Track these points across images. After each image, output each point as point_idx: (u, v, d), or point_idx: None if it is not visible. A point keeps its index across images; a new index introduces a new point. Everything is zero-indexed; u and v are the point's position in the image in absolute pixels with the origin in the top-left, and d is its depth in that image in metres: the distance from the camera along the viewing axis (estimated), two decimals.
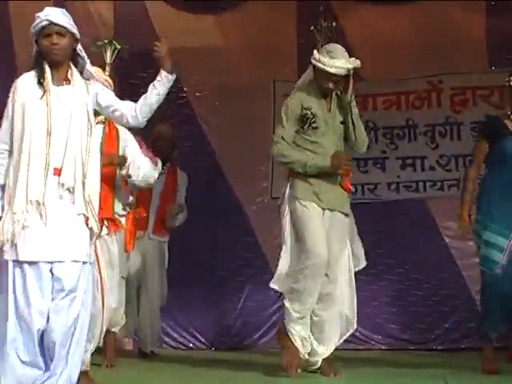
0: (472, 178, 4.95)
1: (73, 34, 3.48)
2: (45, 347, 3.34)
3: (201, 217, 6.54)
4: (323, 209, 4.60)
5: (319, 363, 4.66)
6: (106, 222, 4.28)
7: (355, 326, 4.81)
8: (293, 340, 4.54)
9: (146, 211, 5.62)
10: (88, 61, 3.60)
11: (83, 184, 3.39)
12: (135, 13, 6.88)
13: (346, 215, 4.71)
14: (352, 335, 6.50)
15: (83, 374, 3.66)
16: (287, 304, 4.57)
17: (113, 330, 5.08)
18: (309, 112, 4.61)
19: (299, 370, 4.53)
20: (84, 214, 3.39)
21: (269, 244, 6.43)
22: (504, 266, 4.66)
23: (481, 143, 4.96)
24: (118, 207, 4.58)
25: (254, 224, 6.77)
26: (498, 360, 4.85)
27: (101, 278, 4.29)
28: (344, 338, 4.81)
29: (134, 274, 5.59)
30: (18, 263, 3.32)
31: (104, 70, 4.54)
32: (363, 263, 4.83)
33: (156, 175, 4.76)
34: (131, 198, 4.81)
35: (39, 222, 3.32)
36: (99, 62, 4.51)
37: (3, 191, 3.41)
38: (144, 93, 3.57)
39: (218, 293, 6.77)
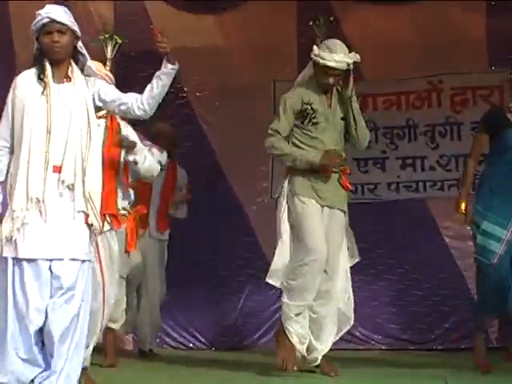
0: (471, 169, 4.97)
1: (73, 32, 3.47)
2: (45, 345, 3.34)
3: (201, 217, 6.54)
4: (322, 206, 4.61)
5: (319, 360, 4.66)
6: (108, 218, 4.25)
7: (352, 322, 4.80)
8: (290, 338, 4.54)
9: (147, 208, 5.63)
10: (89, 58, 3.60)
11: (83, 181, 3.38)
12: (135, 13, 6.88)
13: (344, 213, 4.72)
14: (352, 335, 6.57)
15: (83, 371, 3.65)
16: (285, 300, 4.57)
17: (113, 326, 5.08)
18: (309, 107, 4.62)
19: (295, 368, 4.54)
20: (84, 212, 3.39)
21: (269, 244, 6.37)
22: (501, 255, 4.68)
23: (481, 135, 4.98)
24: (122, 203, 4.56)
25: (254, 224, 6.77)
26: (488, 354, 4.88)
27: (102, 273, 4.28)
28: (341, 333, 4.81)
29: (134, 272, 5.59)
30: (17, 261, 3.32)
31: (105, 64, 4.54)
32: (357, 258, 4.84)
33: (158, 168, 4.74)
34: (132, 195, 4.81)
35: (39, 220, 3.32)
36: (100, 57, 4.51)
37: (4, 188, 3.41)
38: None
39: (218, 293, 6.78)
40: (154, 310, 6.03)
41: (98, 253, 4.19)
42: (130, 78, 6.27)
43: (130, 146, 4.47)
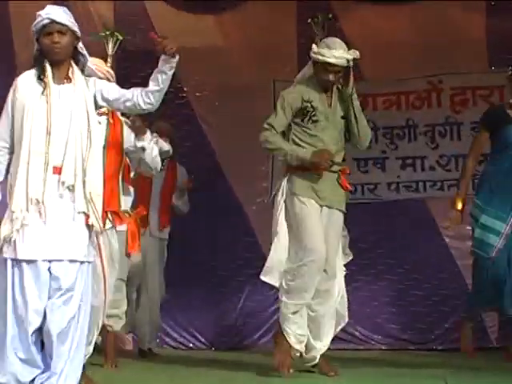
0: (469, 168, 4.98)
1: (74, 32, 3.47)
2: (45, 346, 3.34)
3: (201, 217, 6.55)
4: (321, 205, 4.61)
5: (317, 359, 4.66)
6: (110, 216, 4.23)
7: (346, 320, 4.79)
8: (288, 339, 4.54)
9: (146, 209, 5.63)
10: (89, 58, 3.59)
11: (84, 182, 3.37)
12: (135, 13, 6.88)
13: (343, 213, 4.71)
14: (352, 335, 6.58)
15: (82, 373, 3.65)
16: (283, 299, 4.57)
17: (114, 328, 5.07)
18: (309, 105, 4.61)
19: (291, 370, 4.53)
20: (85, 213, 3.39)
21: (269, 244, 6.36)
22: (500, 249, 4.68)
23: (481, 134, 4.99)
24: (124, 201, 4.56)
25: (254, 224, 6.77)
26: (488, 354, 4.94)
27: (103, 270, 4.28)
28: (336, 332, 4.80)
29: (134, 270, 5.59)
30: (17, 262, 3.31)
31: (106, 61, 4.54)
32: (351, 255, 4.84)
33: (159, 167, 4.73)
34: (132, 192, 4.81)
35: (38, 221, 3.31)
36: (101, 54, 4.51)
37: (4, 188, 3.41)
38: None
39: (218, 293, 6.78)
40: (154, 309, 6.04)
41: (100, 249, 4.19)
42: (129, 77, 6.28)
43: (141, 131, 4.43)
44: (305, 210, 4.56)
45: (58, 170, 3.35)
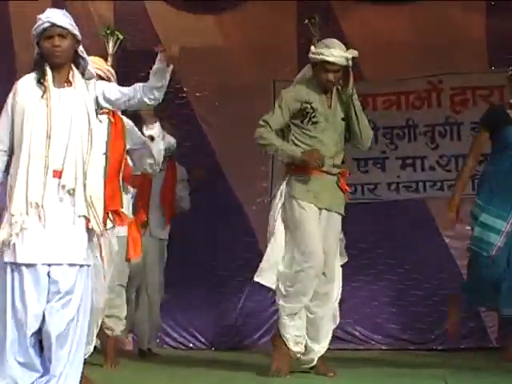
0: (468, 168, 4.98)
1: (74, 36, 3.46)
2: (44, 350, 3.34)
3: (201, 217, 6.55)
4: (320, 208, 4.60)
5: (315, 361, 4.66)
6: (110, 216, 4.23)
7: (338, 321, 4.79)
8: (286, 342, 4.54)
9: (146, 211, 5.63)
10: (90, 62, 3.58)
11: (84, 185, 3.36)
12: (135, 13, 6.88)
13: (342, 216, 4.71)
14: (352, 335, 6.58)
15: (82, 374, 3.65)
16: (281, 302, 4.57)
17: (114, 332, 5.07)
18: (309, 106, 4.61)
19: (288, 376, 4.53)
20: (85, 216, 3.38)
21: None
22: (500, 247, 4.68)
23: (481, 134, 4.99)
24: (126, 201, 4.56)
25: (254, 224, 6.76)
26: (488, 354, 4.92)
27: (103, 270, 4.27)
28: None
29: (134, 271, 5.59)
30: (16, 266, 3.30)
31: (106, 60, 4.54)
32: (346, 257, 4.85)
33: (158, 169, 4.72)
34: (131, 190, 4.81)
35: (38, 225, 3.31)
36: (101, 53, 4.51)
37: (3, 191, 3.41)
38: None
39: (218, 293, 6.78)
40: (154, 309, 6.04)
41: (100, 250, 4.18)
42: (129, 77, 6.27)
43: (150, 119, 4.41)
44: (304, 215, 4.55)
45: (58, 174, 3.35)
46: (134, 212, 5.02)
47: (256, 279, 4.70)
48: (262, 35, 6.75)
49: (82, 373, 3.57)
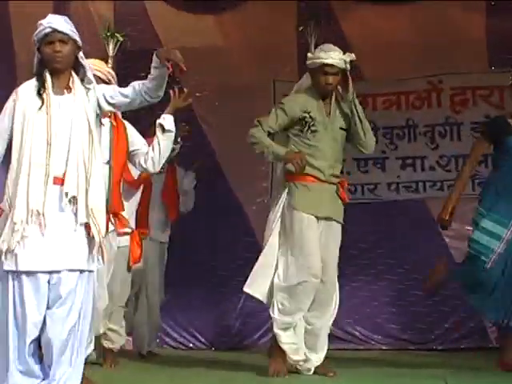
0: (465, 175, 4.98)
1: (75, 42, 3.46)
2: (44, 355, 3.33)
3: (201, 217, 6.54)
4: (320, 218, 4.59)
5: (311, 371, 4.64)
6: (112, 219, 4.23)
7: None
8: (284, 350, 4.53)
9: (146, 210, 5.62)
10: (89, 68, 3.57)
11: (86, 192, 3.35)
12: (135, 13, 6.88)
13: (341, 224, 4.71)
14: (352, 335, 6.58)
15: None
16: (276, 316, 4.53)
17: (114, 346, 5.10)
18: (307, 115, 4.61)
19: (287, 376, 4.53)
20: (86, 224, 3.37)
21: None
22: (501, 254, 4.68)
23: (481, 142, 4.98)
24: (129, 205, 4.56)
25: (254, 224, 6.76)
26: (488, 354, 4.91)
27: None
28: None
29: (134, 273, 5.59)
30: (17, 274, 3.30)
31: (107, 62, 4.55)
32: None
33: (159, 168, 4.72)
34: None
35: (38, 232, 3.30)
36: (101, 55, 4.51)
37: None
38: None
39: (218, 293, 6.77)
40: (154, 311, 6.02)
41: (102, 254, 4.19)
42: (129, 77, 6.27)
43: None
44: (304, 227, 4.53)
45: (59, 181, 3.34)
46: (137, 223, 5.04)
47: (246, 290, 4.68)
48: (261, 35, 6.75)
49: (83, 373, 3.58)
